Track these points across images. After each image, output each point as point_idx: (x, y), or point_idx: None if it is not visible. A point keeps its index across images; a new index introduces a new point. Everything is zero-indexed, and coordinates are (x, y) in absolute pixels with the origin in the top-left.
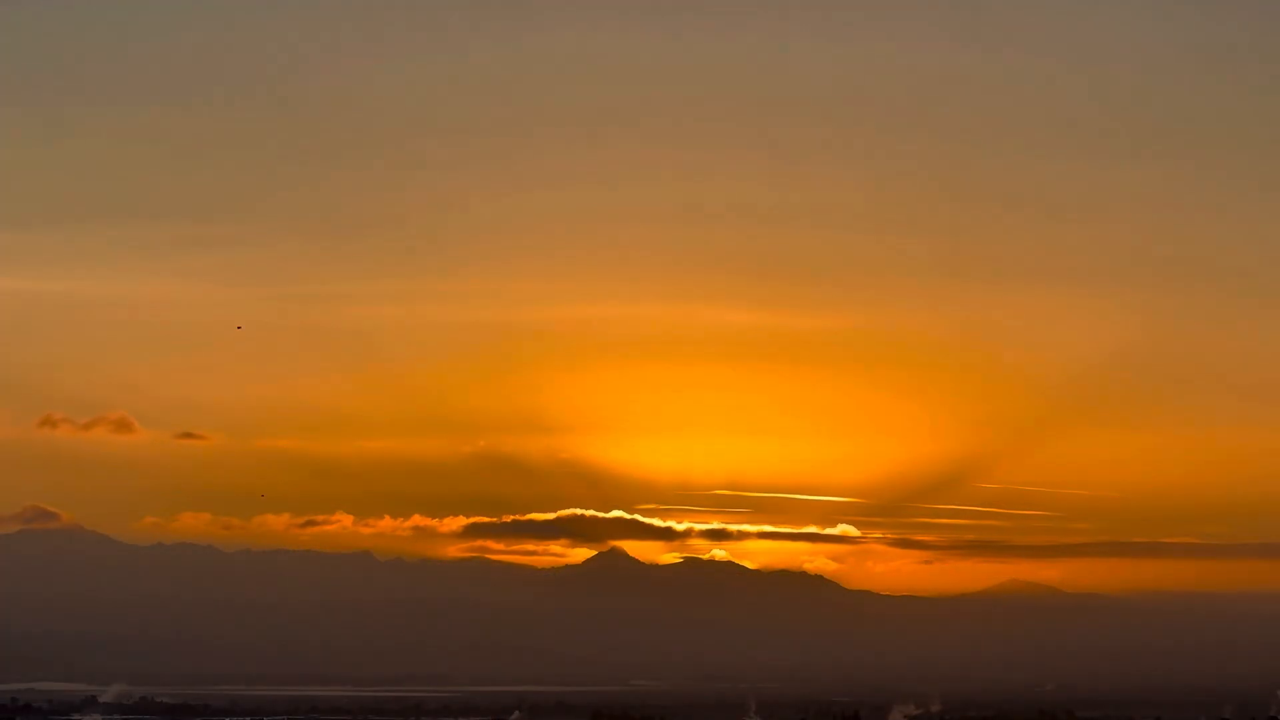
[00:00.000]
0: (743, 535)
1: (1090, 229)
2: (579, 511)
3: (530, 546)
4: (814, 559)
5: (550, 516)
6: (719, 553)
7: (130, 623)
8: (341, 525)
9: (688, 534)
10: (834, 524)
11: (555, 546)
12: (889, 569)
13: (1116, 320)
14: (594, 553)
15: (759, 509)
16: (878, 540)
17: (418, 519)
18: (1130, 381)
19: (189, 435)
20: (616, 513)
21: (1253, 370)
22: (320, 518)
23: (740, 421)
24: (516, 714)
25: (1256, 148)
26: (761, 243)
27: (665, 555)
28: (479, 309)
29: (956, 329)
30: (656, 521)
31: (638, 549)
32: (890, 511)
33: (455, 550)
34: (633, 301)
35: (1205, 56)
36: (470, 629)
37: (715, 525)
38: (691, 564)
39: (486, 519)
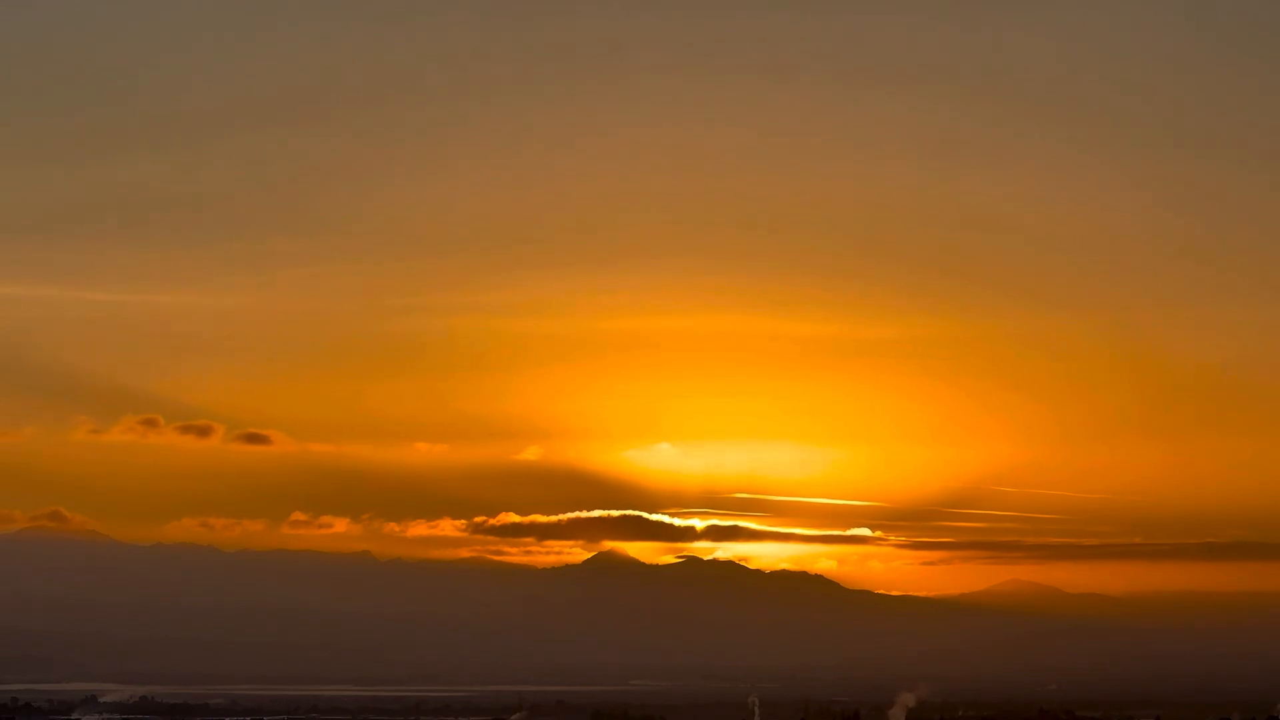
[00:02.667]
0: (745, 536)
1: (1108, 242)
2: (584, 514)
3: (531, 547)
4: (816, 560)
5: (556, 519)
6: (720, 553)
7: (130, 623)
8: (342, 527)
9: (689, 534)
10: (844, 527)
11: (556, 546)
12: (889, 569)
13: (1136, 330)
14: (594, 553)
15: (766, 512)
16: (890, 544)
17: (425, 522)
18: (1148, 389)
19: (256, 439)
20: (619, 512)
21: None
22: (327, 519)
23: (752, 427)
24: (517, 714)
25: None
26: (780, 249)
27: (665, 555)
28: (508, 319)
29: (984, 338)
30: (659, 518)
31: (638, 549)
32: (905, 516)
33: (455, 551)
34: (654, 311)
35: None
36: (470, 629)
37: (717, 525)
38: (692, 564)
39: (488, 520)
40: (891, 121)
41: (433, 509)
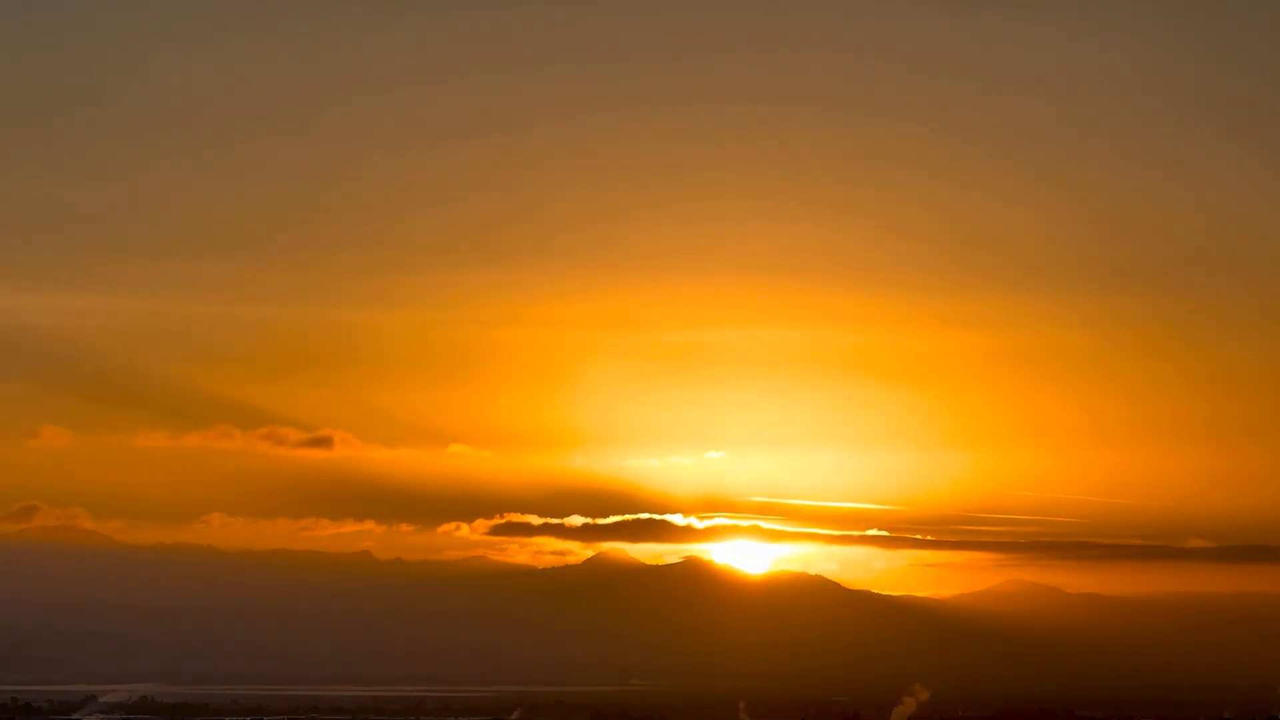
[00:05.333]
0: (748, 537)
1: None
2: (601, 520)
3: (535, 547)
4: (818, 561)
5: (561, 521)
6: (720, 553)
7: (130, 623)
8: (342, 527)
9: (695, 535)
10: (852, 529)
11: (556, 546)
12: (891, 570)
13: (1150, 329)
14: (594, 553)
15: (778, 515)
16: (895, 546)
17: (461, 524)
18: (1176, 394)
19: (320, 443)
20: (624, 516)
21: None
22: (333, 520)
23: (761, 433)
24: (516, 714)
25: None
26: (811, 262)
27: (666, 555)
28: (533, 328)
29: (1008, 344)
30: (666, 519)
31: (639, 549)
32: (917, 520)
33: (455, 551)
34: (691, 323)
35: None
36: (470, 629)
37: (725, 527)
38: (692, 564)
39: (492, 520)
40: (899, 138)
41: (468, 512)
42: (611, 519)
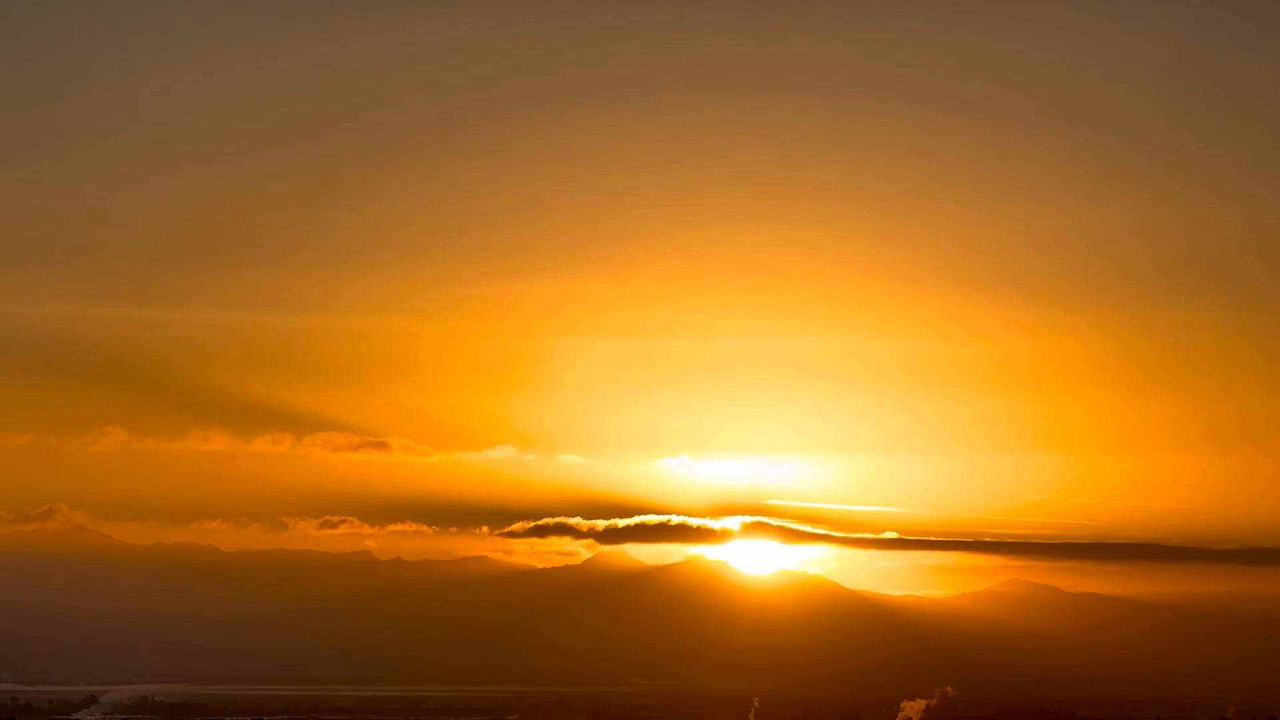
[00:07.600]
0: (748, 536)
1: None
2: (596, 522)
3: (531, 547)
4: (818, 561)
5: (559, 521)
6: (720, 554)
7: (130, 623)
8: (344, 527)
9: (690, 535)
10: (855, 531)
11: (556, 546)
12: (891, 569)
13: (1159, 332)
14: (594, 552)
15: (786, 518)
16: (896, 547)
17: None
18: (1193, 398)
19: (377, 448)
20: (627, 520)
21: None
22: (336, 520)
23: (787, 439)
24: (517, 714)
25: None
26: (804, 260)
27: (666, 555)
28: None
29: (1027, 350)
30: (661, 519)
31: (639, 549)
32: (921, 522)
33: (456, 551)
34: (717, 331)
35: None
36: (470, 629)
37: (719, 526)
38: (693, 564)
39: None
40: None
41: (506, 516)
42: (634, 520)
